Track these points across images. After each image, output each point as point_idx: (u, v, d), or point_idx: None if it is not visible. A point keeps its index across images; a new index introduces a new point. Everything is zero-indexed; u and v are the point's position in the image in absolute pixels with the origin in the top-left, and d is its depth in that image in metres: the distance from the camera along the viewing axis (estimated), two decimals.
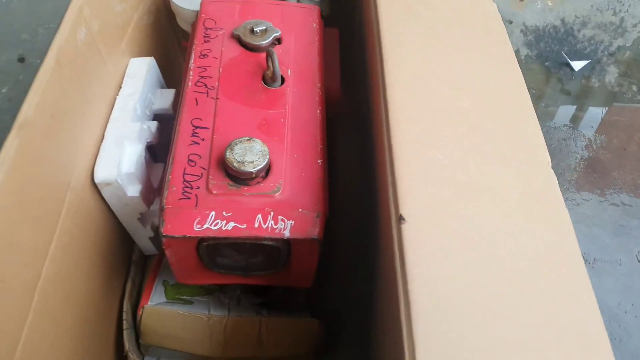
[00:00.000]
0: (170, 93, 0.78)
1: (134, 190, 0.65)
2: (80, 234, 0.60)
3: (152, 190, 0.70)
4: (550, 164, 0.51)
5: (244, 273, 0.61)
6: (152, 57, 0.77)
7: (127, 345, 0.66)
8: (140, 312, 0.68)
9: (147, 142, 0.69)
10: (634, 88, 1.44)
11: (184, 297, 0.74)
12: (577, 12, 1.60)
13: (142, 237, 0.73)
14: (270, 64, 0.61)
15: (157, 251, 0.77)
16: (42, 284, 0.51)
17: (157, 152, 0.74)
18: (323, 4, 0.78)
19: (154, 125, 0.71)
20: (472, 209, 0.45)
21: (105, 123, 0.67)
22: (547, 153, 0.52)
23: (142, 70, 0.74)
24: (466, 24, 0.62)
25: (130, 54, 0.77)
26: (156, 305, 0.70)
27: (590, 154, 1.27)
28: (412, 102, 0.53)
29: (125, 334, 0.68)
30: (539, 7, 1.62)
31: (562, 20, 1.58)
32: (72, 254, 0.58)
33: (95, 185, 0.63)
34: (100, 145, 0.65)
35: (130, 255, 0.75)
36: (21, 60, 1.46)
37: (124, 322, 0.68)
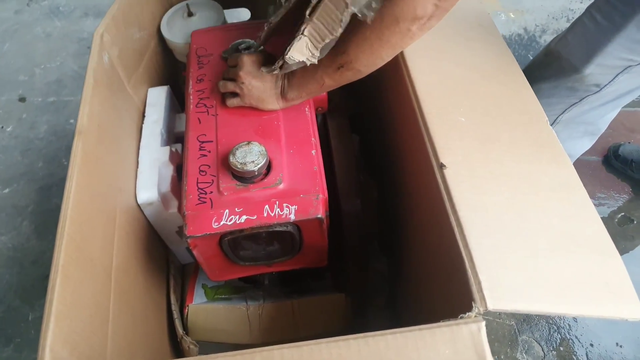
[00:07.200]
0: None
1: (172, 206, 0.74)
2: (131, 231, 0.69)
3: None
4: (548, 122, 0.63)
5: (268, 262, 0.69)
6: (168, 86, 0.86)
7: (180, 331, 0.75)
8: (186, 311, 0.77)
9: (177, 163, 0.78)
10: None
11: (222, 296, 0.83)
12: (536, 22, 1.78)
13: (179, 248, 0.83)
14: None
15: (193, 259, 0.86)
16: (114, 270, 0.60)
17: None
18: None
19: (179, 147, 0.80)
20: (495, 157, 0.58)
21: (137, 149, 0.76)
22: (544, 113, 0.65)
23: (161, 99, 0.84)
24: (462, 18, 0.75)
25: (147, 78, 0.86)
26: (199, 304, 0.79)
27: None
28: (433, 79, 0.65)
29: (177, 322, 0.76)
30: (503, 19, 1.78)
31: (525, 29, 1.75)
32: (128, 247, 0.67)
33: (136, 198, 0.71)
34: (136, 170, 0.74)
35: (168, 257, 0.84)
36: (22, 99, 1.55)
37: (174, 312, 0.77)
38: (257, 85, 0.66)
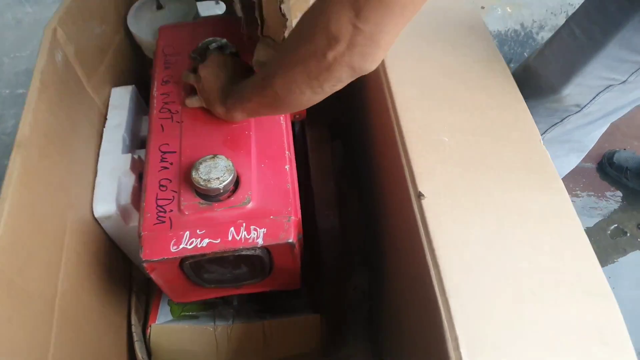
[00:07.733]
0: None
1: (133, 219, 0.68)
2: (84, 250, 0.62)
3: None
4: (541, 140, 0.57)
5: (235, 284, 0.63)
6: (133, 86, 0.79)
7: (139, 355, 0.69)
8: (149, 331, 0.71)
9: (139, 172, 0.71)
10: None
11: (189, 313, 0.77)
12: (534, 17, 1.69)
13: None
14: None
15: None
16: (59, 299, 0.54)
17: None
18: None
19: (143, 153, 0.73)
20: (479, 183, 0.52)
21: (97, 156, 0.69)
22: (537, 130, 0.59)
23: (125, 100, 0.76)
24: (451, 21, 0.68)
25: (111, 77, 0.78)
26: (163, 323, 0.73)
27: None
28: (415, 91, 0.59)
29: (137, 345, 0.70)
30: (499, 14, 1.69)
31: (522, 25, 1.66)
32: (80, 268, 0.61)
33: (93, 211, 0.65)
34: (94, 179, 0.67)
35: (130, 272, 0.78)
36: None
37: (134, 334, 0.71)
38: (210, 84, 0.60)
